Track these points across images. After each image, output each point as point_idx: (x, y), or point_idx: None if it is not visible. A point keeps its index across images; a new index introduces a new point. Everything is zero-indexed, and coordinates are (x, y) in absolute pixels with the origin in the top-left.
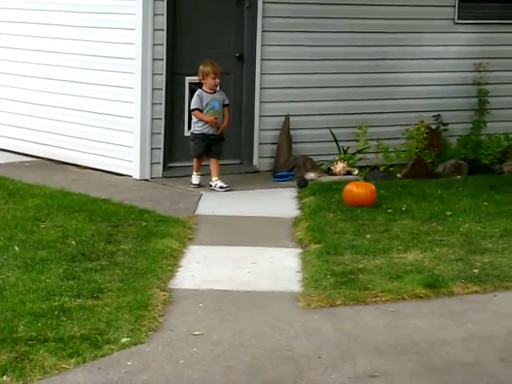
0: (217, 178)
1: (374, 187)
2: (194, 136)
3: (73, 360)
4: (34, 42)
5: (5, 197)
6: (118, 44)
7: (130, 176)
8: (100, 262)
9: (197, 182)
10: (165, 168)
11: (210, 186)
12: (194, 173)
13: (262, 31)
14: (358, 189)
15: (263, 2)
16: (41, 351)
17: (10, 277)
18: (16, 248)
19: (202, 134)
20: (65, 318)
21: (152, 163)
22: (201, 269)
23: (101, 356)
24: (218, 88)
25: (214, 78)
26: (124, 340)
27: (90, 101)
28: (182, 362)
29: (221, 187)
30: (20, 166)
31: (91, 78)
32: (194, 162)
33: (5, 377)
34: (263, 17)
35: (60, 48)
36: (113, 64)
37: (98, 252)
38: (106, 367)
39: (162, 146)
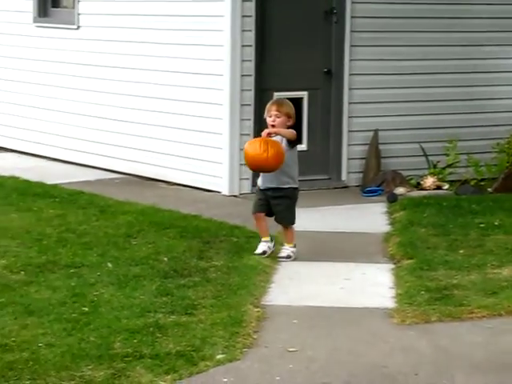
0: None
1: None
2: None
3: (169, 377)
4: (124, 60)
5: (96, 214)
6: (207, 61)
7: (219, 192)
8: (193, 279)
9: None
10: (253, 184)
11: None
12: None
13: (350, 46)
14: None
15: (351, 17)
16: (137, 368)
17: (104, 293)
18: (109, 265)
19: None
20: (160, 335)
21: (241, 179)
22: (293, 285)
23: (196, 373)
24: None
25: (270, 116)
26: (219, 357)
27: (179, 117)
28: (277, 378)
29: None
30: (110, 182)
31: (180, 94)
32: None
33: None
34: (351, 31)
35: (149, 65)
36: (202, 80)
37: (191, 268)
38: None
39: None
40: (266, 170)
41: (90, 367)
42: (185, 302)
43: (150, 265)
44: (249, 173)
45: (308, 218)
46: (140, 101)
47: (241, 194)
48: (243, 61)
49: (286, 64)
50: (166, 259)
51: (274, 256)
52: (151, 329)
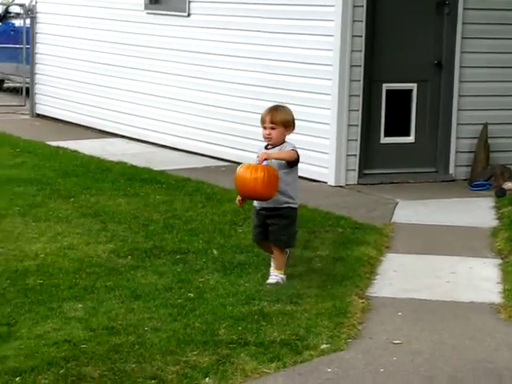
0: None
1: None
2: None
3: (273, 365)
4: (233, 48)
5: (202, 201)
6: (315, 50)
7: (325, 182)
8: (298, 268)
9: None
10: (360, 175)
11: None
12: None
13: (462, 38)
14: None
15: (463, 9)
16: (242, 355)
17: (209, 280)
18: (215, 251)
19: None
20: (264, 323)
21: (347, 170)
22: (398, 277)
23: (300, 362)
24: (275, 142)
25: (265, 128)
26: (323, 346)
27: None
28: (381, 370)
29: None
30: (216, 170)
31: (287, 83)
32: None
33: (207, 379)
34: (463, 23)
35: (256, 54)
36: (309, 70)
37: (296, 258)
38: (305, 373)
39: (357, 152)
40: (257, 198)
41: (194, 353)
42: (290, 291)
43: (255, 253)
44: (355, 164)
45: (413, 211)
46: (247, 89)
47: (347, 185)
48: (353, 51)
49: (395, 55)
50: None
51: (378, 247)
52: (256, 316)
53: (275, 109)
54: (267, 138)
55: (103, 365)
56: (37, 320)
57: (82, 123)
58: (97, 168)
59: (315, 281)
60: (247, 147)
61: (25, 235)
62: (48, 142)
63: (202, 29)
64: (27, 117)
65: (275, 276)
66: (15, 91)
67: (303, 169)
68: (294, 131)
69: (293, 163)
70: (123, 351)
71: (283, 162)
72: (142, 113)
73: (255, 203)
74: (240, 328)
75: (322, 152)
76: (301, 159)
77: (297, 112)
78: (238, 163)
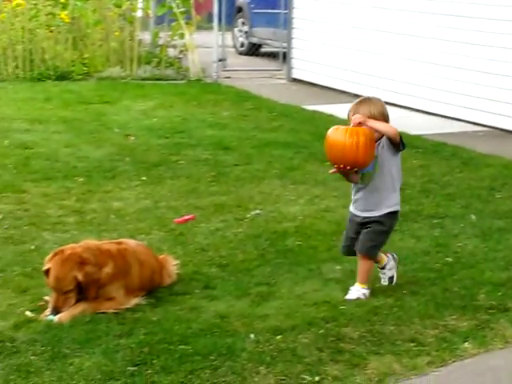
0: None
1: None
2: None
3: None
4: (499, 12)
5: (459, 166)
6: None
7: None
8: None
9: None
10: None
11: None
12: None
13: None
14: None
15: None
16: (501, 320)
17: (467, 245)
18: (473, 217)
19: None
20: None
21: None
22: None
23: None
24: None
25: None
26: None
27: None
28: None
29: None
30: (473, 135)
31: None
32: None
33: (466, 344)
34: None
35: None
36: None
37: None
38: None
39: None
40: (356, 166)
41: (453, 317)
42: None
43: None
44: None
45: None
46: (507, 53)
47: None
48: None
49: None
50: None
51: None
52: None
53: (359, 102)
54: None
55: (362, 326)
56: (296, 280)
57: (337, 87)
58: None
59: None
60: (505, 112)
61: (283, 197)
62: (304, 106)
63: None
64: (283, 81)
65: (356, 291)
66: (272, 56)
67: None
68: None
69: (397, 146)
70: (382, 313)
71: (386, 145)
72: (398, 77)
73: (354, 209)
74: (499, 294)
75: None
76: None
77: None
78: (496, 128)
